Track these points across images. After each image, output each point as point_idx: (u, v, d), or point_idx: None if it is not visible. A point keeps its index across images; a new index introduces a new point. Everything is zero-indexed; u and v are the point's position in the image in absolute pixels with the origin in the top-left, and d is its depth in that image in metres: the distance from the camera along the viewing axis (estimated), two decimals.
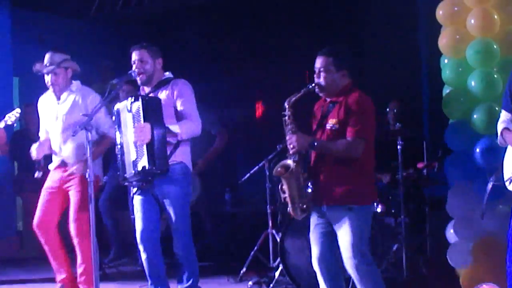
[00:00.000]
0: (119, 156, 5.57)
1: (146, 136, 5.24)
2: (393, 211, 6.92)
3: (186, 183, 5.58)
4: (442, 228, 6.18)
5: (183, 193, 5.57)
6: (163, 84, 5.66)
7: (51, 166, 6.39)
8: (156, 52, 5.71)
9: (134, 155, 5.39)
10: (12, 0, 9.27)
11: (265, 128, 9.77)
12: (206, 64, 10.86)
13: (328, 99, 4.92)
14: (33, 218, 6.31)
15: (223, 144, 8.24)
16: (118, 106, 5.62)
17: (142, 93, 5.72)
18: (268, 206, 7.30)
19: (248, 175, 7.59)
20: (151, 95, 5.62)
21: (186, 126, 5.48)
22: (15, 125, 7.32)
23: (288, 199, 4.84)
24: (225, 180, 9.35)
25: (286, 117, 4.88)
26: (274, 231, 7.22)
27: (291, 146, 4.78)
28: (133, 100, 5.41)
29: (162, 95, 5.59)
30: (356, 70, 4.99)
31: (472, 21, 5.71)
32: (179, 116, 5.56)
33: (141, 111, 5.33)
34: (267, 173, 7.33)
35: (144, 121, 5.30)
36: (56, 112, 6.33)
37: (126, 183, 5.66)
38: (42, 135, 6.49)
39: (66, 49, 9.93)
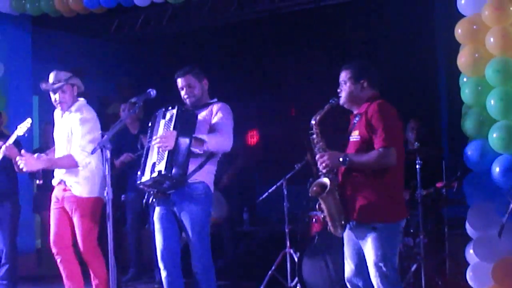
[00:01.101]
0: (143, 159, 5.58)
1: (170, 143, 5.24)
2: (411, 231, 6.86)
3: (207, 203, 5.54)
4: (462, 248, 6.13)
5: (203, 213, 5.52)
6: (205, 106, 5.67)
7: (54, 182, 6.35)
8: (200, 74, 5.72)
9: (155, 158, 5.40)
10: (33, 19, 9.33)
11: (283, 147, 9.77)
12: (224, 84, 10.89)
13: (355, 112, 4.90)
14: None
15: (245, 164, 8.25)
16: (156, 114, 5.65)
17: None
18: (286, 226, 7.27)
19: (266, 194, 7.58)
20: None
21: (215, 138, 5.43)
22: (29, 139, 7.36)
23: (327, 218, 4.82)
24: (244, 199, 9.34)
25: (314, 135, 4.87)
26: (292, 251, 7.19)
27: (324, 164, 4.75)
28: (170, 107, 5.45)
29: (202, 113, 5.60)
30: (379, 80, 4.93)
31: (491, 39, 5.69)
32: (211, 130, 5.54)
33: (173, 119, 5.35)
34: (285, 193, 7.31)
35: (174, 126, 5.32)
36: (59, 129, 6.38)
37: (141, 187, 5.63)
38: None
39: (86, 68, 10.12)
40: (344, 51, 9.98)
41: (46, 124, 8.50)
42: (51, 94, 6.29)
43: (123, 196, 8.21)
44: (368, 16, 9.95)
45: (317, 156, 4.81)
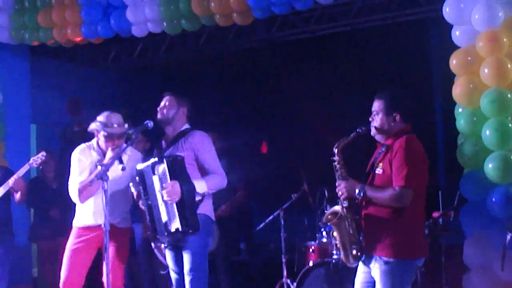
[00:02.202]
0: (147, 217, 5.61)
1: (177, 194, 5.32)
2: None
3: (204, 233, 5.57)
4: (459, 278, 6.12)
5: (202, 243, 5.58)
6: (181, 135, 5.72)
7: (78, 222, 6.09)
8: (183, 101, 5.80)
9: (165, 216, 5.45)
10: (31, 48, 9.39)
11: (280, 177, 9.79)
12: (220, 113, 10.97)
13: (382, 142, 4.79)
14: (47, 266, 6.25)
15: (245, 197, 8.22)
16: (140, 166, 5.63)
17: (163, 145, 5.77)
18: (283, 255, 7.27)
19: (263, 224, 7.58)
20: (170, 149, 5.67)
21: (212, 181, 5.55)
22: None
23: (339, 246, 4.81)
24: (240, 228, 9.32)
25: (336, 163, 4.80)
26: (289, 281, 7.18)
27: (340, 192, 4.73)
28: (157, 161, 5.47)
29: (180, 147, 5.65)
30: (413, 113, 4.84)
31: (486, 70, 5.74)
32: (202, 171, 5.61)
33: (167, 173, 5.39)
34: (282, 222, 7.32)
35: (171, 179, 5.36)
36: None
37: (157, 243, 5.70)
38: None
39: (84, 97, 10.17)
40: (339, 81, 10.04)
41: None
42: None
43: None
44: (363, 46, 10.02)
45: (336, 183, 4.78)
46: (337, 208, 4.77)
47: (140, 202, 5.73)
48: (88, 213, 5.97)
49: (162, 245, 5.87)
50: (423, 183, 4.62)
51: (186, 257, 5.52)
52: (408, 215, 4.57)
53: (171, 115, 5.74)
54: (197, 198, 5.50)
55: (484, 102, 5.73)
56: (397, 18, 9.02)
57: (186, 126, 5.82)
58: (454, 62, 5.98)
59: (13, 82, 9.31)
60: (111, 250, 5.85)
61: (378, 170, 4.66)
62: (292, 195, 7.34)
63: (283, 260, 7.27)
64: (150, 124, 5.63)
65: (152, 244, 6.72)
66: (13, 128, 9.18)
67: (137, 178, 5.67)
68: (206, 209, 5.62)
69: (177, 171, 5.41)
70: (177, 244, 5.59)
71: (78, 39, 8.35)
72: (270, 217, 7.49)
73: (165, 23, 7.79)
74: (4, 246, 7.42)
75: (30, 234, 8.91)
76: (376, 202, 4.62)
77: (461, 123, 5.95)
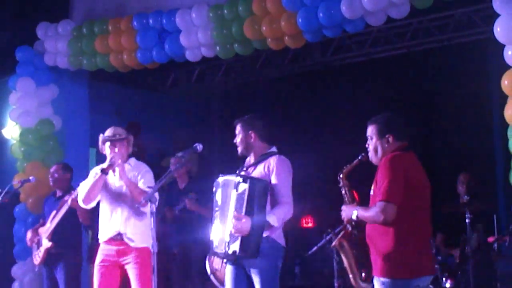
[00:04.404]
0: (212, 228, 5.58)
1: (245, 232, 5.24)
2: (462, 287, 6.71)
3: (275, 257, 5.45)
4: None
5: (272, 266, 5.44)
6: (263, 158, 5.61)
7: (105, 236, 6.31)
8: (248, 124, 5.66)
9: (227, 236, 5.37)
10: (90, 74, 9.61)
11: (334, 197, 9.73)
12: (281, 134, 10.97)
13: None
14: None
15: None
16: (223, 178, 5.57)
17: (246, 165, 5.69)
18: (335, 280, 7.19)
19: (315, 248, 7.51)
20: (250, 169, 5.60)
21: (281, 215, 5.36)
22: None
23: (347, 268, 4.81)
24: (296, 252, 9.30)
25: (341, 189, 4.89)
26: None
27: (342, 216, 4.79)
28: (241, 180, 5.36)
29: (259, 168, 5.55)
30: (406, 131, 4.76)
31: None
32: (273, 196, 5.45)
33: (246, 195, 5.30)
34: None
35: (247, 207, 5.26)
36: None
37: (213, 256, 5.68)
38: None
39: (142, 121, 10.32)
40: (398, 103, 9.94)
41: None
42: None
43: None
44: (421, 69, 9.93)
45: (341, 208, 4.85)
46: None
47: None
48: (109, 225, 6.23)
49: (220, 265, 5.77)
50: (414, 199, 4.49)
51: (255, 280, 5.41)
52: (399, 233, 4.47)
53: (240, 143, 5.66)
54: (265, 234, 5.34)
55: None
56: (453, 40, 8.91)
57: (273, 149, 5.69)
58: (506, 82, 5.89)
59: (73, 107, 9.57)
60: (131, 273, 6.11)
61: (371, 192, 4.66)
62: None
63: (336, 285, 7.19)
64: (199, 147, 5.62)
65: (208, 269, 6.61)
66: (72, 152, 9.42)
67: (214, 188, 5.63)
68: (276, 235, 5.45)
69: (257, 197, 5.30)
70: (236, 262, 5.51)
71: (135, 64, 8.50)
72: (322, 241, 7.41)
73: (218, 47, 7.87)
74: (66, 265, 7.55)
75: (88, 255, 9.06)
76: (367, 222, 4.62)
77: None
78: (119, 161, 6.12)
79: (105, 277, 6.20)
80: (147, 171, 6.31)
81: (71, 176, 7.92)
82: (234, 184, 5.40)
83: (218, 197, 5.57)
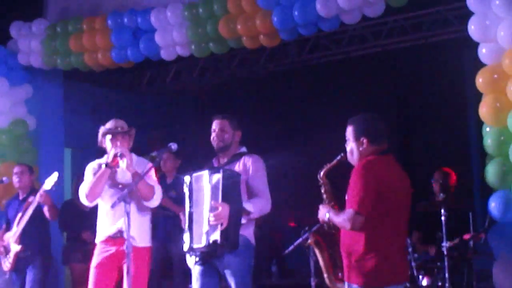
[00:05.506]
0: (186, 224, 5.56)
1: (224, 219, 5.24)
2: (439, 284, 6.72)
3: (248, 255, 5.50)
4: None
5: (245, 265, 5.48)
6: (237, 158, 5.66)
7: (100, 237, 6.02)
8: (237, 124, 5.71)
9: (206, 227, 5.35)
10: (64, 73, 9.52)
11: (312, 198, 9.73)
12: (256, 135, 10.95)
13: None
14: None
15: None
16: (194, 175, 5.56)
17: (215, 164, 5.71)
18: (312, 279, 7.18)
19: (292, 247, 7.50)
20: (226, 167, 5.59)
21: (259, 205, 5.47)
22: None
23: (323, 269, 4.79)
24: (272, 251, 9.29)
25: (322, 188, 4.83)
26: None
27: (318, 216, 4.71)
28: (213, 171, 5.41)
29: (234, 167, 5.58)
30: (382, 136, 4.61)
31: None
32: (250, 192, 5.53)
33: (220, 184, 5.32)
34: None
35: (223, 195, 5.29)
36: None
37: (191, 254, 5.60)
38: None
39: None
40: (371, 102, 9.96)
41: (78, 177, 8.56)
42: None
43: None
44: (397, 67, 9.96)
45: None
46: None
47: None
48: (108, 223, 5.90)
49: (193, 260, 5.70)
50: (385, 206, 4.38)
51: (230, 279, 5.42)
52: (370, 240, 4.37)
53: (226, 140, 5.64)
54: (243, 221, 5.41)
55: (510, 121, 5.61)
56: (428, 38, 8.95)
57: (243, 149, 5.73)
58: (480, 80, 5.89)
59: (47, 106, 9.45)
60: (126, 272, 5.83)
61: (346, 196, 4.50)
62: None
63: (312, 283, 7.17)
64: (173, 146, 5.60)
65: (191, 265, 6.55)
66: (47, 152, 9.30)
67: (185, 184, 5.62)
68: (248, 232, 5.54)
69: (231, 186, 5.34)
70: (210, 260, 5.50)
71: (109, 63, 8.43)
72: (299, 240, 7.40)
73: (193, 46, 7.83)
74: (35, 268, 7.48)
75: (63, 257, 8.98)
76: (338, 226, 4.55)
77: (488, 142, 5.85)
78: (127, 152, 5.79)
79: (101, 280, 5.89)
80: (152, 167, 5.97)
81: (34, 177, 7.90)
82: (207, 176, 5.41)
83: (191, 193, 5.56)
